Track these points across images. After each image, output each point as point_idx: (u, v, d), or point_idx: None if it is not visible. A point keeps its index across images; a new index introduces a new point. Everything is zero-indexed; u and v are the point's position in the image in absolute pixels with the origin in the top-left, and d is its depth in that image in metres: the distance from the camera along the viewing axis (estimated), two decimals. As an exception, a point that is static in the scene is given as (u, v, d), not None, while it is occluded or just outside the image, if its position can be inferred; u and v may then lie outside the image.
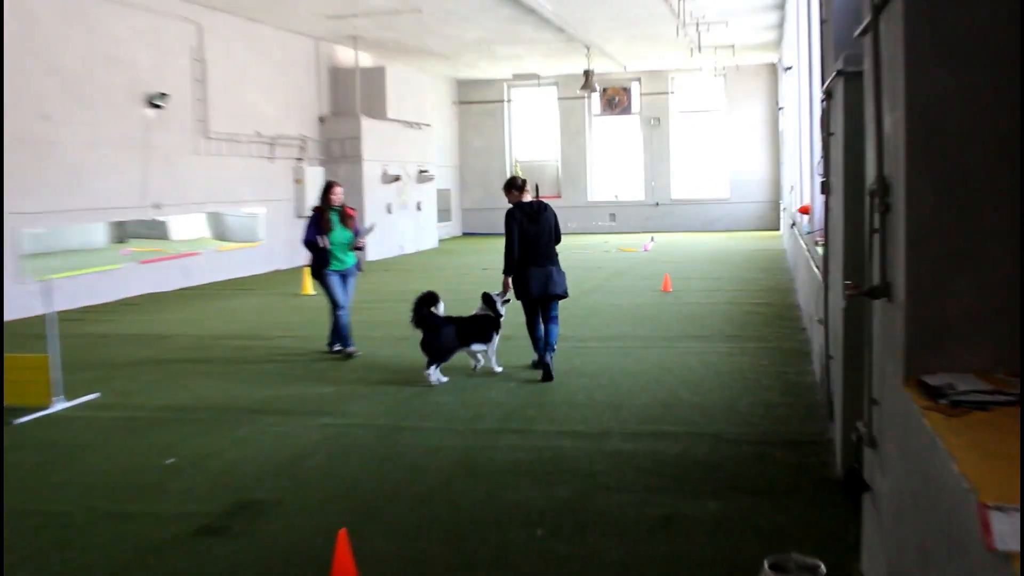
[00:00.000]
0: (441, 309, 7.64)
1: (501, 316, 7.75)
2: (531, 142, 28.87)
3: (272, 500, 4.82)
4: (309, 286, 13.11)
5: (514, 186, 7.87)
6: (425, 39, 19.98)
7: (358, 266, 9.05)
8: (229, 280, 16.15)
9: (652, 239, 23.06)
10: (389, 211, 20.71)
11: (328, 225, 8.63)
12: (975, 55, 2.38)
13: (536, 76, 26.70)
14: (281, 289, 14.74)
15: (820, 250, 6.58)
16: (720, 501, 4.62)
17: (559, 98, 27.93)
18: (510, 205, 7.80)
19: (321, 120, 19.80)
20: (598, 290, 13.49)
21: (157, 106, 14.47)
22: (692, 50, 20.13)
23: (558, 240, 7.80)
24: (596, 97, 27.16)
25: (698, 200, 27.40)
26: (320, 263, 8.69)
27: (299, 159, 18.70)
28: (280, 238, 17.66)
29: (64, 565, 4.07)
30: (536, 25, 18.23)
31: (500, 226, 8.07)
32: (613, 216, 27.88)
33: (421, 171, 22.63)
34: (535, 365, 7.79)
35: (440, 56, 22.64)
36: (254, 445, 5.90)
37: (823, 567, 3.34)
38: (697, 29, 18.15)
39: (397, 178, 21.02)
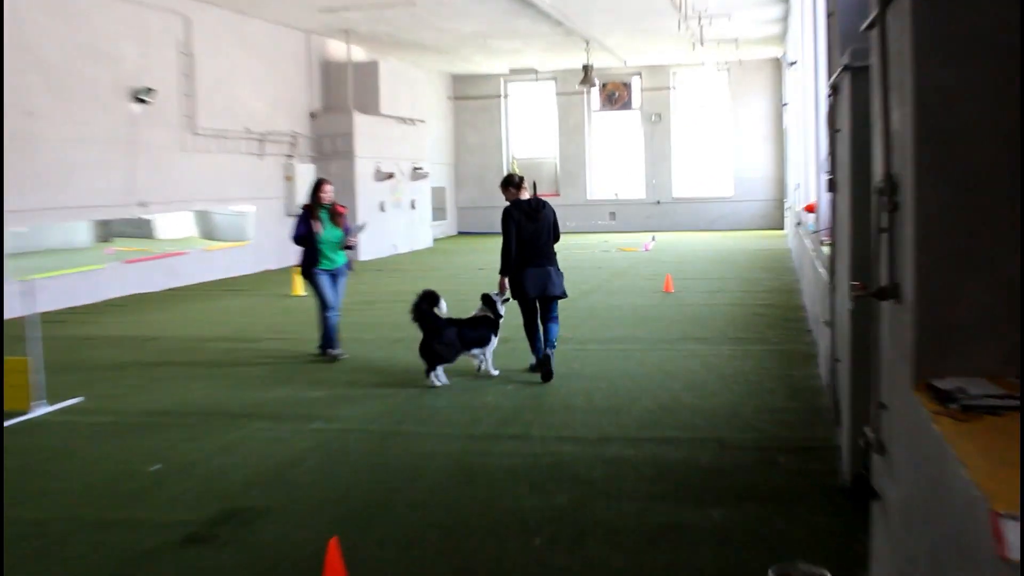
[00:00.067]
0: (444, 309, 7.50)
1: (501, 317, 7.65)
2: (529, 139, 28.56)
3: (261, 508, 4.75)
4: (299, 287, 13.02)
5: (511, 183, 7.75)
6: (419, 32, 19.86)
7: (349, 266, 8.94)
8: (217, 280, 16.04)
9: (653, 238, 23.00)
10: (382, 209, 20.60)
11: (318, 223, 8.51)
12: (985, 48, 2.34)
13: (534, 71, 26.55)
14: (271, 290, 14.64)
15: (826, 250, 6.51)
16: (724, 509, 4.56)
17: (557, 93, 27.74)
18: (507, 203, 7.68)
19: (312, 116, 19.63)
20: (598, 291, 13.41)
21: (143, 101, 14.27)
22: (694, 44, 20.10)
23: (557, 239, 7.69)
24: (595, 92, 27.05)
25: (700, 198, 27.15)
26: (310, 262, 8.57)
27: (289, 156, 18.54)
28: (270, 237, 17.47)
29: (44, 577, 3.97)
30: (534, 18, 18.16)
31: (496, 225, 7.99)
32: (613, 215, 27.67)
33: (415, 168, 22.51)
34: (533, 368, 7.68)
35: (435, 50, 22.50)
36: (243, 451, 5.82)
37: (830, 577, 3.31)
38: (699, 23, 18.11)
39: (390, 175, 20.89)
